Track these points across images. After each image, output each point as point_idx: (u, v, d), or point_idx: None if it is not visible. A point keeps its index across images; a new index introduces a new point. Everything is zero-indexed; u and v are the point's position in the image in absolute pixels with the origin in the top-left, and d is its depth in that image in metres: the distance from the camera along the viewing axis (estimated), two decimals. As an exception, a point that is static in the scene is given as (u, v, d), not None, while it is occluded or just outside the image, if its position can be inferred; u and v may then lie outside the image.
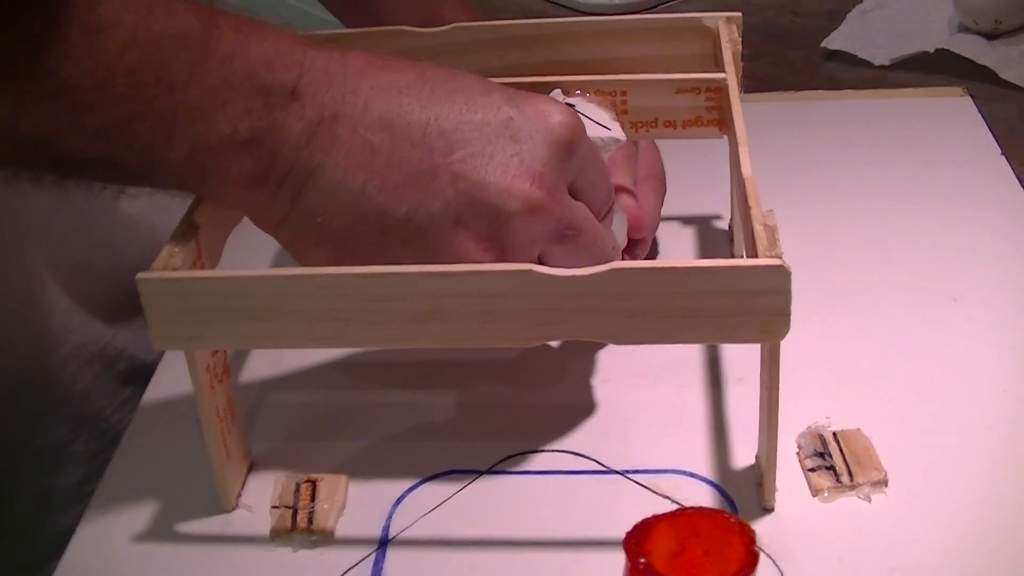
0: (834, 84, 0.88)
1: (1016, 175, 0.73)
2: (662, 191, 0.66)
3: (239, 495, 0.55)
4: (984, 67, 0.86)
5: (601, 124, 0.57)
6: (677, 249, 0.69)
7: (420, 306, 0.48)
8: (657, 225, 0.66)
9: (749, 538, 0.46)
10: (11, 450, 0.65)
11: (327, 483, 0.54)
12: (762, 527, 0.48)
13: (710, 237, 0.70)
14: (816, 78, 0.90)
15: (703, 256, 0.68)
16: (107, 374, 0.69)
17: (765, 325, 0.48)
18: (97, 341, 0.68)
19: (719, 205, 0.71)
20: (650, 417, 0.58)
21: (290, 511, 0.53)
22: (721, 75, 0.59)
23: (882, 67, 0.88)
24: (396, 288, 0.48)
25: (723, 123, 0.59)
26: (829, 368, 0.59)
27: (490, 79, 0.52)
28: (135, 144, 0.47)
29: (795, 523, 0.51)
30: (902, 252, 0.67)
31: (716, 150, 0.62)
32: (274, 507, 0.53)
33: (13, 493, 0.64)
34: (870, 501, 0.52)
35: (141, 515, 0.54)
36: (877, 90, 0.85)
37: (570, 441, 0.56)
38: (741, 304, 0.47)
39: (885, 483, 0.52)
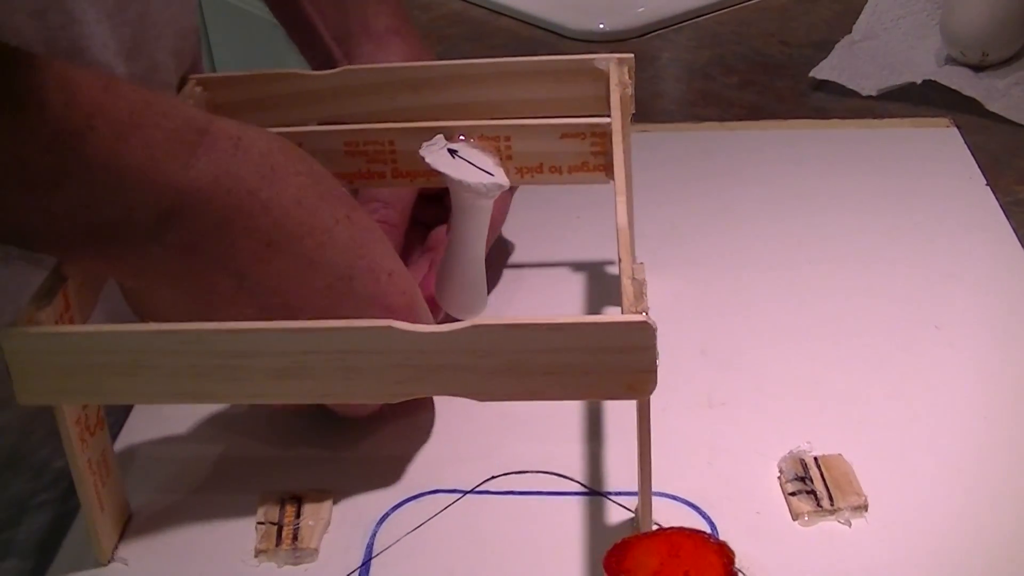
0: (821, 114, 0.88)
1: (1001, 206, 0.73)
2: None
3: (115, 548, 0.53)
4: (971, 99, 0.86)
5: (484, 170, 0.57)
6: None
7: (281, 363, 0.47)
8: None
9: (729, 559, 0.46)
10: (33, 475, 0.65)
11: (312, 500, 0.55)
12: (742, 549, 0.48)
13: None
14: (803, 107, 0.90)
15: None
16: None
17: (631, 382, 0.47)
18: None
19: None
20: (633, 439, 0.58)
21: (275, 528, 0.53)
22: (606, 119, 0.57)
23: (869, 97, 0.89)
24: (257, 344, 0.47)
25: (609, 168, 0.57)
26: (811, 393, 0.60)
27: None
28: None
29: (775, 546, 0.51)
30: (886, 280, 0.68)
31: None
32: (259, 523, 0.54)
33: (32, 517, 0.64)
34: (850, 526, 0.52)
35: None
36: (864, 120, 0.86)
37: (554, 462, 0.57)
38: (605, 361, 0.46)
39: (865, 508, 0.53)
